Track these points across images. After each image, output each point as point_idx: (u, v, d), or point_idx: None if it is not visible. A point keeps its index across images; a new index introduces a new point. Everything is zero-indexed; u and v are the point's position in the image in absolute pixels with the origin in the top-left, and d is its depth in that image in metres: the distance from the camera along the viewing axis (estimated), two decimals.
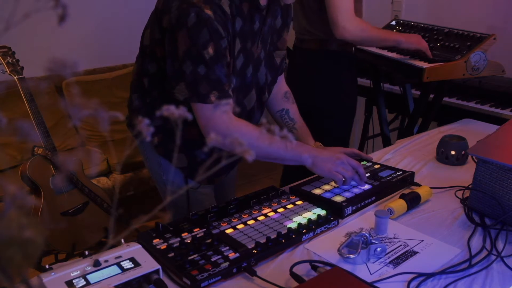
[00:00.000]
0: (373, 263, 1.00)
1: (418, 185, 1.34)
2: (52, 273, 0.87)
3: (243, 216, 1.17)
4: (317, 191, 1.29)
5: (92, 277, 0.88)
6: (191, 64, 1.14)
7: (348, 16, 1.82)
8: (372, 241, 1.01)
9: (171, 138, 1.26)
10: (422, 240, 1.09)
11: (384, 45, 2.07)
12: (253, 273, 0.96)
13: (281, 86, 1.56)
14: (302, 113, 1.60)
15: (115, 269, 0.90)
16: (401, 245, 1.07)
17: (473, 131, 1.75)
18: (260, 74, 1.36)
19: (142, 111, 1.32)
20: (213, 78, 1.15)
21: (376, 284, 0.92)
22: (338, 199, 1.24)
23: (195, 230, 1.10)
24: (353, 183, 1.32)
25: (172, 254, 1.00)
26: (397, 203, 1.20)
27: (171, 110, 0.40)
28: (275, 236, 1.07)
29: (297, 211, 1.19)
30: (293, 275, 0.94)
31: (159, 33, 1.20)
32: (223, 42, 1.15)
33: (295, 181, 1.39)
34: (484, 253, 1.04)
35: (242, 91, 1.31)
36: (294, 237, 1.08)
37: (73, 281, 0.86)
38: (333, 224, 1.16)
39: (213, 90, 1.15)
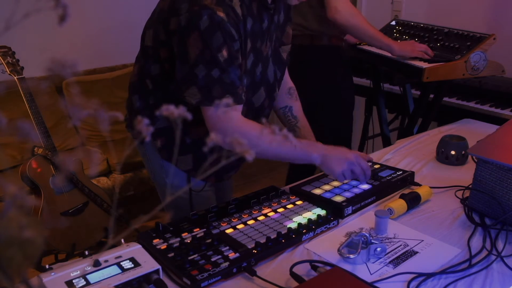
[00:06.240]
0: (373, 263, 1.00)
1: (418, 185, 1.34)
2: (52, 273, 0.87)
3: (243, 216, 1.17)
4: (317, 191, 1.29)
5: (92, 277, 0.88)
6: (204, 68, 1.12)
7: None
8: (372, 241, 1.01)
9: (175, 141, 1.25)
10: (422, 240, 1.09)
11: (376, 45, 2.09)
12: (253, 273, 0.96)
13: (286, 81, 1.54)
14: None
15: (115, 269, 0.90)
16: (401, 245, 1.07)
17: (473, 131, 1.75)
18: (269, 72, 1.35)
19: (145, 112, 1.30)
20: (227, 81, 1.14)
21: (376, 284, 0.92)
22: (338, 199, 1.24)
23: (195, 230, 1.10)
24: (353, 182, 1.32)
25: (172, 254, 1.00)
26: (397, 203, 1.20)
27: (170, 110, 0.39)
28: (275, 236, 1.07)
29: (297, 211, 1.19)
30: (293, 275, 0.94)
31: (164, 34, 1.18)
32: (235, 45, 1.14)
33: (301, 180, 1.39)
34: (484, 253, 1.04)
35: (252, 89, 1.31)
36: (294, 237, 1.08)
37: (73, 281, 0.86)
38: (333, 224, 1.16)
39: (227, 94, 1.14)
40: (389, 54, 2.14)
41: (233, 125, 1.17)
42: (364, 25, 1.98)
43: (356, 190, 1.28)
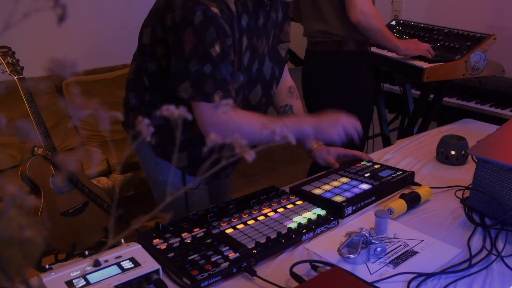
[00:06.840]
0: (373, 263, 1.00)
1: (418, 185, 1.34)
2: (52, 273, 0.87)
3: (243, 216, 1.17)
4: (317, 191, 1.29)
5: (92, 277, 0.88)
6: (197, 63, 1.13)
7: (367, 1, 1.87)
8: (372, 241, 1.01)
9: (171, 138, 1.25)
10: (422, 240, 1.09)
11: (385, 45, 2.08)
12: (253, 273, 0.96)
13: (286, 80, 1.54)
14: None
15: (115, 269, 0.90)
16: (401, 245, 1.07)
17: (473, 131, 1.75)
18: (266, 69, 1.36)
19: (141, 110, 1.31)
20: (219, 77, 1.14)
21: (376, 284, 0.92)
22: (338, 199, 1.24)
23: (195, 230, 1.10)
24: (353, 182, 1.32)
25: (172, 254, 1.00)
26: (397, 203, 1.20)
27: (171, 110, 0.39)
28: (275, 236, 1.07)
29: (297, 211, 1.19)
30: (293, 275, 0.94)
31: (161, 31, 1.19)
32: (228, 40, 1.15)
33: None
34: (484, 253, 1.04)
35: (248, 86, 1.31)
36: (294, 237, 1.08)
37: (73, 281, 0.86)
38: (333, 224, 1.16)
39: (218, 90, 1.15)
40: (389, 54, 2.14)
41: (224, 120, 1.17)
42: (383, 27, 1.94)
43: (356, 190, 1.28)
